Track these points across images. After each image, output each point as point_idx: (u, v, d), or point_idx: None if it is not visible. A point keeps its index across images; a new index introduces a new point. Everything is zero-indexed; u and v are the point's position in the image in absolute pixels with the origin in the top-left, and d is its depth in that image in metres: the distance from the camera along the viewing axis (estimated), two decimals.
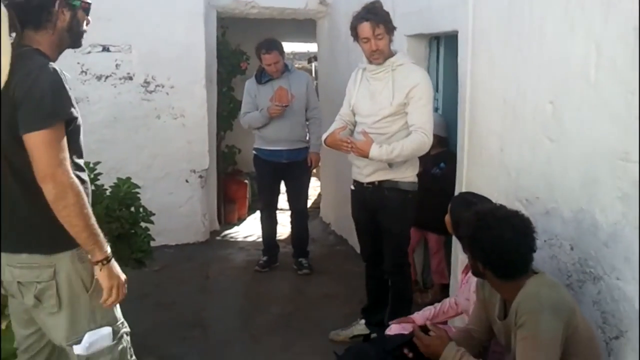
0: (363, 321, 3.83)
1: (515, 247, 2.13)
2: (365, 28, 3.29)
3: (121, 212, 3.45)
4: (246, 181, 7.33)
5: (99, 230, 2.00)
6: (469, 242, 2.23)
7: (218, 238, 6.28)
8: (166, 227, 5.48)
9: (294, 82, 4.93)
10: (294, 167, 5.02)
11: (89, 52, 5.47)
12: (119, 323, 2.20)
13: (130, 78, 5.68)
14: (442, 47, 4.22)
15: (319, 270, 5.20)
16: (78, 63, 5.39)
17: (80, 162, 2.10)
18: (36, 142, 1.87)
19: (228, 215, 6.92)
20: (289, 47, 13.34)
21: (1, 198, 2.01)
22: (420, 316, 2.91)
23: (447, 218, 2.75)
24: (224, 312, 4.37)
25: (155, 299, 4.52)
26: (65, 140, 1.93)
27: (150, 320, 4.12)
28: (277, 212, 5.36)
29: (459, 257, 3.47)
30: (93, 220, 1.98)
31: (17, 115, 1.87)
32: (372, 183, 3.47)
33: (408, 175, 3.47)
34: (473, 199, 2.67)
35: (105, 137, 5.49)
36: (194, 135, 5.88)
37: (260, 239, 5.47)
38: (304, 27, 7.35)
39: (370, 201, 3.51)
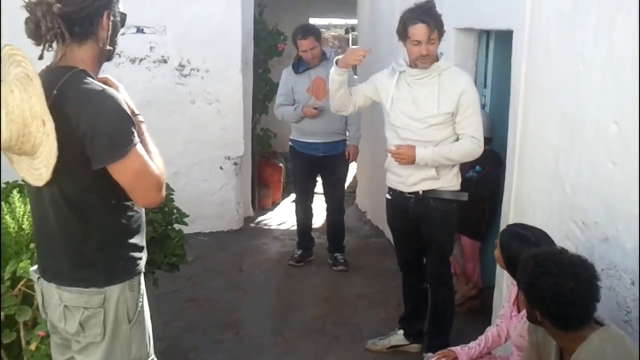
0: (401, 331, 3.70)
1: (578, 298, 1.94)
2: (419, 30, 3.07)
3: (154, 215, 3.35)
4: (281, 164, 7.20)
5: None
6: (525, 289, 2.05)
7: (252, 225, 6.20)
8: (200, 214, 5.43)
9: None
10: (330, 161, 4.86)
11: (123, 34, 5.24)
12: (150, 359, 2.11)
13: (165, 61, 5.57)
14: (492, 42, 3.99)
15: (354, 265, 5.09)
16: None
17: None
18: (121, 172, 1.83)
19: (262, 199, 6.83)
20: (326, 19, 13.10)
21: (56, 231, 1.95)
22: (465, 354, 2.74)
23: (497, 253, 2.55)
24: (258, 312, 4.29)
25: (188, 294, 4.47)
26: (143, 153, 1.86)
27: (183, 319, 4.08)
28: (313, 201, 5.22)
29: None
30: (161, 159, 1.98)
31: (86, 148, 1.79)
32: (416, 193, 3.30)
33: (454, 184, 3.32)
34: (526, 233, 2.47)
35: None
36: (228, 122, 5.76)
37: (295, 227, 5.37)
38: (343, 3, 7.12)
39: (412, 211, 3.35)
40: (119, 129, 1.80)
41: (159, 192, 1.91)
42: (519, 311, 2.61)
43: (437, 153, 3.17)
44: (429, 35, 3.06)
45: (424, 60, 3.14)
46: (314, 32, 4.69)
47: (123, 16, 2.00)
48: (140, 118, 2.05)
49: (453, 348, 2.78)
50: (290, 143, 5.01)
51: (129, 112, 1.85)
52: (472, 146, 3.18)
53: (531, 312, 2.05)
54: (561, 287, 1.92)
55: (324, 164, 4.90)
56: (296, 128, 4.88)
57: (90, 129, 1.77)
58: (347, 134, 4.90)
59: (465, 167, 3.95)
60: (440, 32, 3.12)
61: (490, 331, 2.81)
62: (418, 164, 3.19)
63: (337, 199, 5.05)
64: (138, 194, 1.88)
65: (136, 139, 1.83)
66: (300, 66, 4.78)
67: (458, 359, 2.71)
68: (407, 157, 3.19)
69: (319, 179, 5.13)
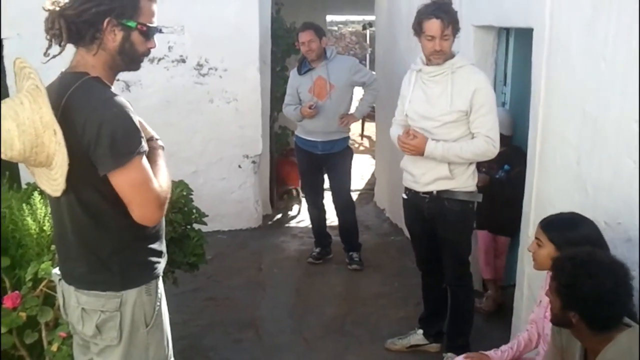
0: (421, 331, 3.68)
1: (616, 298, 1.93)
2: (433, 26, 3.05)
3: (174, 215, 3.37)
4: None
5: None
6: (563, 291, 2.01)
7: (270, 223, 6.22)
8: (219, 213, 5.46)
9: (333, 70, 4.73)
10: (330, 159, 4.88)
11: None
12: None
13: (183, 61, 5.59)
14: (512, 39, 3.94)
15: (373, 264, 5.07)
16: None
17: None
18: (120, 182, 1.81)
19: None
20: (344, 16, 13.07)
21: (73, 236, 1.96)
22: (498, 358, 2.70)
23: (545, 251, 2.46)
24: (277, 311, 4.29)
25: (208, 293, 4.49)
26: (147, 167, 1.85)
27: (203, 318, 4.10)
28: (324, 199, 5.21)
29: (525, 263, 3.26)
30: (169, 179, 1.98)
31: (90, 155, 1.79)
32: (430, 193, 3.28)
33: (469, 185, 3.27)
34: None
35: (158, 122, 5.28)
36: (247, 120, 5.77)
37: None
38: (361, 1, 7.10)
39: (427, 212, 3.33)
40: (122, 136, 1.78)
41: (158, 209, 1.86)
42: None
43: (447, 150, 3.14)
44: (442, 30, 3.04)
45: (438, 56, 3.12)
46: (314, 27, 4.71)
47: (143, 28, 1.93)
48: (160, 143, 2.06)
49: (486, 352, 2.74)
50: (295, 139, 5.08)
51: (136, 120, 1.83)
52: (485, 146, 3.14)
53: (562, 315, 2.02)
54: (602, 288, 1.91)
55: (325, 162, 4.92)
56: (299, 125, 4.95)
57: (95, 135, 1.76)
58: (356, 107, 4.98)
59: (492, 167, 3.93)
60: (455, 29, 3.09)
61: (522, 336, 2.76)
62: (427, 157, 3.16)
63: (344, 196, 5.02)
64: (135, 207, 1.83)
65: (142, 149, 1.82)
66: (303, 67, 4.82)
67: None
68: (416, 148, 3.17)
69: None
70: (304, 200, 5.88)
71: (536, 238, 2.51)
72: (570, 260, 2.00)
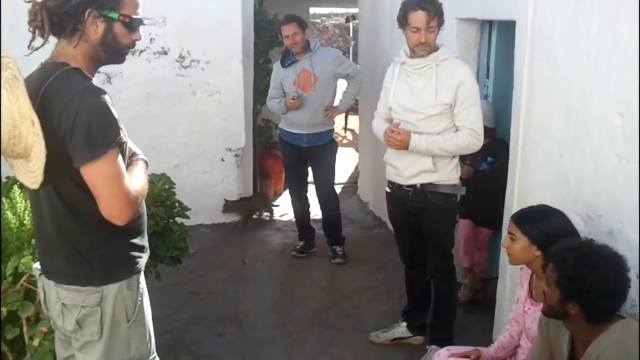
0: (405, 324, 3.70)
1: (616, 289, 1.97)
2: (418, 17, 3.05)
3: (156, 209, 3.34)
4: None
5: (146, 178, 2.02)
6: (564, 282, 2.01)
7: (254, 217, 6.18)
8: (202, 206, 5.42)
9: (317, 62, 4.72)
10: (315, 151, 4.88)
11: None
12: (151, 357, 2.10)
13: (165, 53, 5.54)
14: (495, 31, 3.95)
15: (357, 257, 5.07)
16: None
17: None
18: (92, 174, 1.77)
19: (264, 190, 6.79)
20: (327, 8, 13.05)
21: (53, 229, 1.93)
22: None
23: (521, 245, 2.48)
24: (261, 305, 4.28)
25: (191, 287, 4.47)
26: (121, 162, 1.82)
27: (186, 312, 4.08)
28: (307, 192, 5.20)
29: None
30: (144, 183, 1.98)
31: (67, 146, 1.76)
32: (414, 186, 3.28)
33: (452, 177, 3.28)
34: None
35: (140, 114, 5.38)
36: (229, 113, 5.74)
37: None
38: None
39: (411, 205, 3.33)
40: (98, 128, 1.74)
41: (127, 207, 1.81)
42: (532, 298, 2.59)
43: (432, 143, 3.14)
44: (428, 22, 3.04)
45: (422, 48, 3.12)
46: (298, 20, 4.69)
47: (126, 19, 1.91)
48: (142, 156, 2.05)
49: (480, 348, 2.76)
50: (278, 132, 5.06)
51: (113, 111, 1.80)
52: (469, 138, 3.14)
53: (560, 307, 2.02)
54: (605, 279, 1.93)
55: (310, 154, 4.91)
56: (284, 118, 4.93)
57: (70, 126, 1.73)
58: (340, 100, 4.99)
59: (477, 159, 3.94)
60: (440, 21, 3.09)
61: (503, 335, 2.77)
62: (411, 151, 3.17)
63: (327, 189, 5.02)
64: (103, 201, 1.78)
65: (120, 140, 1.79)
66: (286, 60, 4.80)
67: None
68: (400, 142, 3.17)
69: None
70: (286, 193, 5.83)
71: (509, 233, 2.53)
72: (573, 252, 2.02)
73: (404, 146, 3.18)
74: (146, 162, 2.07)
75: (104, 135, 1.76)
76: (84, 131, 1.73)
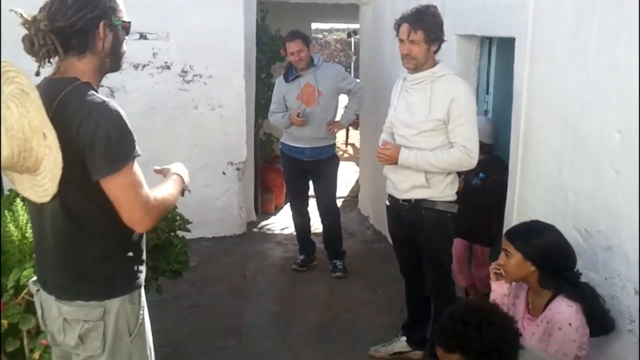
0: (404, 338, 3.69)
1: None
2: (402, 29, 3.12)
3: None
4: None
5: (177, 190, 2.08)
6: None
7: (255, 230, 6.20)
8: (203, 220, 5.40)
9: (321, 77, 4.75)
10: (317, 166, 4.89)
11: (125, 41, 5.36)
12: None
13: (168, 67, 5.56)
14: (495, 48, 3.98)
15: (357, 271, 5.07)
16: None
17: None
18: (112, 186, 1.80)
19: (265, 204, 6.83)
20: (328, 24, 13.13)
21: (56, 243, 1.94)
22: None
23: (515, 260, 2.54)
24: (261, 318, 4.27)
25: (191, 300, 4.46)
26: (138, 172, 1.84)
27: (186, 325, 4.07)
28: (308, 206, 5.21)
29: None
30: (175, 192, 2.05)
31: (86, 160, 1.78)
32: (409, 201, 3.30)
33: (447, 194, 3.27)
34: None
35: (142, 128, 5.23)
36: (231, 127, 5.76)
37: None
38: (345, 9, 7.13)
39: (407, 219, 3.35)
40: (117, 141, 1.77)
41: (146, 215, 1.83)
42: (529, 313, 2.60)
43: (421, 158, 3.14)
44: (408, 34, 3.07)
45: (407, 60, 3.15)
46: (302, 36, 4.72)
47: (126, 24, 1.96)
48: (182, 173, 2.15)
49: None
50: (280, 146, 5.07)
51: (129, 125, 1.82)
52: (461, 155, 3.11)
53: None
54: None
55: (312, 169, 4.93)
56: (286, 132, 4.95)
57: (89, 140, 1.74)
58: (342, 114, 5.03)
59: (470, 174, 3.94)
60: (429, 37, 3.08)
61: None
62: (401, 165, 3.19)
63: (328, 203, 5.02)
64: (125, 210, 1.82)
65: (136, 153, 1.82)
66: (290, 75, 4.83)
67: None
68: (389, 157, 3.20)
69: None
70: (287, 207, 5.86)
71: (503, 249, 2.55)
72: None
73: (392, 161, 3.20)
74: (181, 177, 2.13)
75: (122, 148, 1.79)
76: (103, 144, 1.75)
